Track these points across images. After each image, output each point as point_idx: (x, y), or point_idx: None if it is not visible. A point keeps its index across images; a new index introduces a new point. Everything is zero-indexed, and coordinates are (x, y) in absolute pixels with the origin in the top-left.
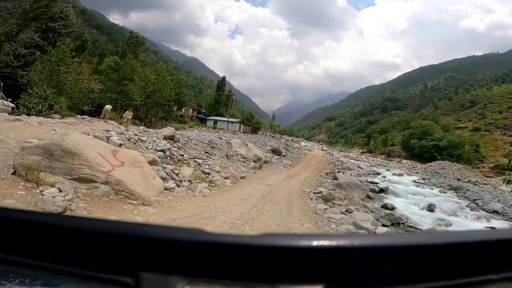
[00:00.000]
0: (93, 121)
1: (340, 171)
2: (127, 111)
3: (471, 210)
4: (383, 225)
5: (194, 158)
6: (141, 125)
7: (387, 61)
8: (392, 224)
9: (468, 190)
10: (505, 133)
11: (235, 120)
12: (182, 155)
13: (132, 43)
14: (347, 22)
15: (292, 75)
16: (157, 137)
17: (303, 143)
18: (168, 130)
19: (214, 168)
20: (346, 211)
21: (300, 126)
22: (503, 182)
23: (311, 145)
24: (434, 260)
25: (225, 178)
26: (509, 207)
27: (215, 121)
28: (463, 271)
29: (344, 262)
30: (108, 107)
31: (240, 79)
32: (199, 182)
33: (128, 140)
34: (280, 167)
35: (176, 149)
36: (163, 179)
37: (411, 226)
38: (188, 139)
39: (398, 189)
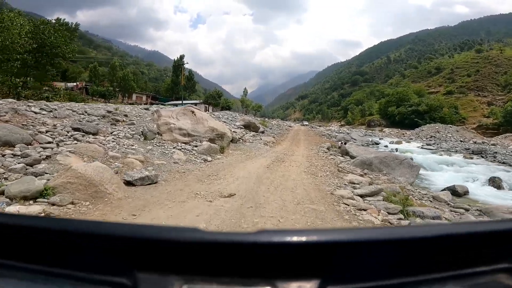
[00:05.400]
0: None
1: (346, 143)
2: None
3: None
4: None
5: None
6: None
7: (348, 39)
8: None
9: (496, 153)
10: (479, 94)
11: (198, 101)
12: None
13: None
14: (308, 4)
15: (260, 59)
16: None
17: (280, 121)
18: None
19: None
20: None
21: (274, 108)
22: None
23: (289, 123)
24: (428, 253)
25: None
26: None
27: (175, 105)
28: (456, 263)
29: (340, 257)
30: None
31: (209, 68)
32: None
33: None
34: (259, 145)
35: None
36: None
37: None
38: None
39: (420, 159)
